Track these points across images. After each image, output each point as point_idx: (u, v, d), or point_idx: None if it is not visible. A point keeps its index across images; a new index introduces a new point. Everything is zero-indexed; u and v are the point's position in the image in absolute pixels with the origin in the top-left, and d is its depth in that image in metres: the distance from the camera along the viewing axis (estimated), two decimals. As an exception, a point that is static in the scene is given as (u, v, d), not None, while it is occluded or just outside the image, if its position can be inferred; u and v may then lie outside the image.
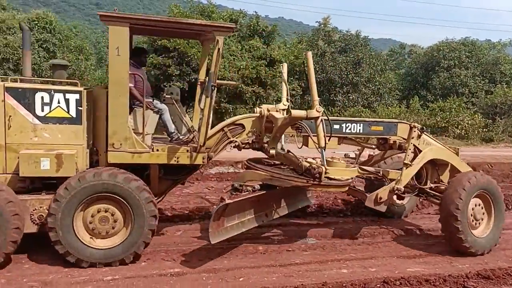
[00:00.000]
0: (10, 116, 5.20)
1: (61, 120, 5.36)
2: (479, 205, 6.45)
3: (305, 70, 6.04)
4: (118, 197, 5.18)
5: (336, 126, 6.50)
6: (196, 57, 19.34)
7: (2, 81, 5.34)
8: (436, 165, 7.06)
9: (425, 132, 6.86)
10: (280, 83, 21.73)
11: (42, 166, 5.10)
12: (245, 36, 23.79)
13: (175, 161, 5.80)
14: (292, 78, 23.90)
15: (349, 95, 24.91)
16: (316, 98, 5.77)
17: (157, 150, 5.74)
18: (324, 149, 5.77)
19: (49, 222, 5.00)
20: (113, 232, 5.29)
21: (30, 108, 5.26)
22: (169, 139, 6.26)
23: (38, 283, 4.75)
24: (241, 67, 20.69)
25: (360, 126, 6.69)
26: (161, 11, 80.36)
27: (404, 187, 6.65)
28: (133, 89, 5.71)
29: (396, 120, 7.17)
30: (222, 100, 20.07)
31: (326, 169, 5.83)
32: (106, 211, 5.24)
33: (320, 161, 6.05)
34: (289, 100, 6.71)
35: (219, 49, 5.51)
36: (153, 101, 6.17)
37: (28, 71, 5.89)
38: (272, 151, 6.29)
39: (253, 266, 5.58)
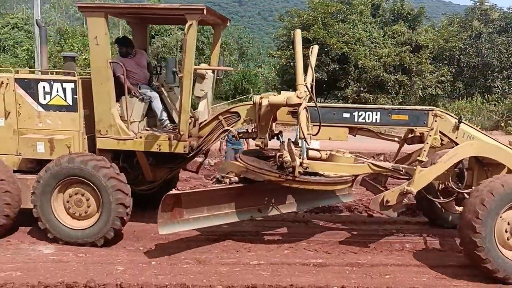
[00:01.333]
0: (19, 104, 5.80)
1: (60, 108, 5.78)
2: None
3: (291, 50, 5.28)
4: (90, 183, 5.35)
5: (346, 115, 5.61)
6: (335, 46, 19.07)
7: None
8: (485, 165, 5.57)
9: (464, 122, 5.47)
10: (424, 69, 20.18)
11: (38, 149, 5.64)
12: (388, 21, 22.64)
13: (157, 148, 5.76)
14: (441, 64, 22.01)
15: (509, 80, 21.96)
16: (300, 82, 5.12)
17: (140, 137, 5.77)
18: (306, 140, 5.06)
19: (32, 200, 5.39)
20: (87, 215, 5.49)
21: (35, 96, 5.78)
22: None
23: (193, 261, 5.17)
24: (383, 54, 19.76)
25: (376, 115, 5.58)
26: (299, 2, 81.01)
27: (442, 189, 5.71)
28: (121, 77, 5.77)
29: (428, 108, 5.73)
30: (362, 89, 19.45)
31: (302, 163, 5.14)
32: (81, 195, 5.45)
33: (324, 153, 5.58)
34: (308, 87, 5.71)
35: (187, 33, 5.31)
36: (139, 89, 6.11)
37: (44, 63, 6.38)
38: (258, 142, 5.76)
39: (400, 264, 5.24)
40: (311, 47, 6.34)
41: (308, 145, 5.28)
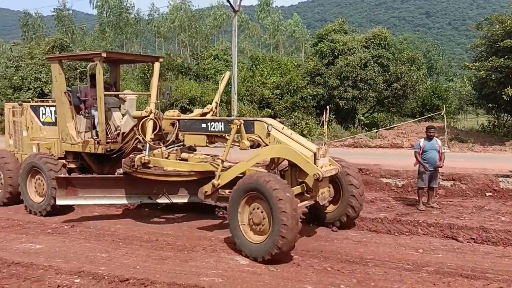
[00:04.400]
0: (32, 122, 9.02)
1: (49, 123, 8.77)
2: (258, 208, 5.85)
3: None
4: (39, 169, 8.13)
5: (204, 125, 7.20)
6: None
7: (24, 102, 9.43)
8: (294, 166, 6.49)
9: (276, 129, 6.55)
10: None
11: (33, 150, 8.77)
12: None
13: (89, 150, 8.12)
14: None
15: None
16: (153, 100, 7.88)
17: (81, 143, 8.15)
18: (148, 143, 7.34)
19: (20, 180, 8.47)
20: (43, 193, 8.18)
21: (38, 117, 8.92)
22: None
23: (384, 290, 4.86)
24: None
25: (221, 124, 7.01)
26: (499, 7, 72.12)
27: None
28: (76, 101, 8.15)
29: (252, 118, 6.99)
30: None
31: (142, 158, 7.12)
32: (40, 180, 8.20)
33: (191, 155, 7.42)
34: (215, 104, 8.00)
35: (96, 70, 7.79)
36: (84, 110, 8.23)
37: (54, 95, 9.14)
38: (140, 146, 7.73)
39: None
40: (224, 73, 8.53)
41: (149, 147, 7.34)
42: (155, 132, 7.63)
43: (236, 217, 5.96)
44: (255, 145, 6.73)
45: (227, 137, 6.82)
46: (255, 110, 21.15)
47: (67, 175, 8.00)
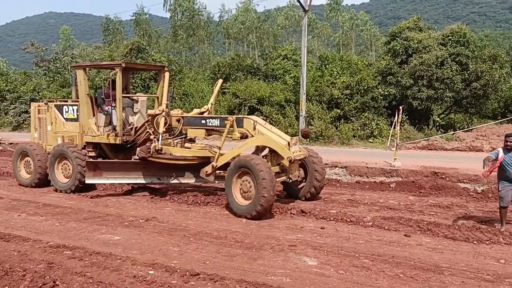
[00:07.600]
0: (56, 118, 10.60)
1: (72, 120, 10.35)
2: (247, 180, 7.84)
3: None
4: (66, 156, 9.85)
5: (203, 121, 9.17)
6: None
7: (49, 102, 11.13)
8: (273, 151, 8.22)
9: (260, 124, 8.38)
10: None
11: (58, 141, 10.43)
12: None
13: (107, 140, 9.77)
14: None
15: None
16: (164, 101, 9.68)
17: (101, 135, 9.82)
18: (161, 135, 9.27)
19: (48, 164, 10.16)
20: (69, 175, 9.93)
21: (62, 114, 10.51)
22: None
23: None
24: None
25: (217, 121, 8.93)
26: None
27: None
28: (99, 100, 9.94)
29: (242, 116, 8.77)
30: None
31: (156, 146, 9.11)
32: (67, 164, 9.88)
33: (193, 144, 9.62)
34: (210, 105, 10.00)
35: (116, 77, 9.46)
36: (103, 108, 9.91)
37: (73, 97, 10.71)
38: (152, 137, 9.50)
39: None
40: (217, 81, 10.60)
41: (161, 139, 9.28)
42: (165, 127, 9.48)
43: (231, 187, 7.99)
44: (243, 136, 8.49)
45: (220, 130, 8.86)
46: (324, 110, 20.82)
47: (95, 160, 9.73)
